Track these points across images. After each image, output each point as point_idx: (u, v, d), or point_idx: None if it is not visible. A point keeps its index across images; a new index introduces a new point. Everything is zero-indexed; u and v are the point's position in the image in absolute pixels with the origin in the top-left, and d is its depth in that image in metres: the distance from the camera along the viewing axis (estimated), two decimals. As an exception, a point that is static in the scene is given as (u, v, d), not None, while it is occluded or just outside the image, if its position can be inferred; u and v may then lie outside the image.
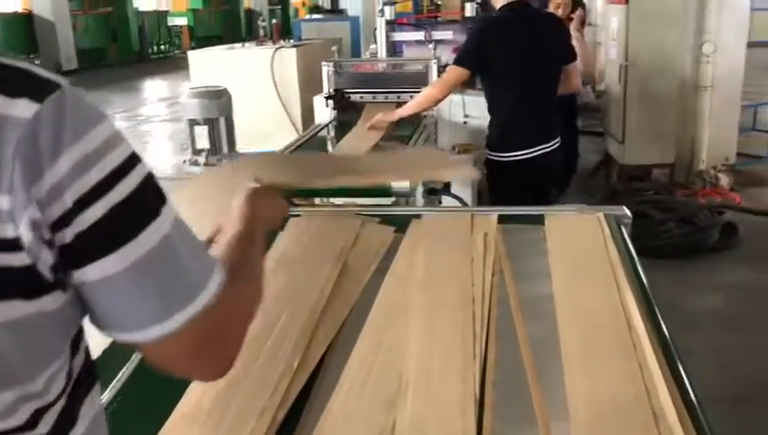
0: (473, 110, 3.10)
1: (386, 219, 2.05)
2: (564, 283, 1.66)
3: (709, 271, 3.83)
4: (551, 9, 4.00)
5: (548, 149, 3.03)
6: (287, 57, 6.02)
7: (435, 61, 3.09)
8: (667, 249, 4.00)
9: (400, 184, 2.13)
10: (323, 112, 3.23)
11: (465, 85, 4.37)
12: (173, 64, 19.22)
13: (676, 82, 4.90)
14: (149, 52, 22.12)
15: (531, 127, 3.00)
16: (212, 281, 0.63)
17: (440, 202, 2.41)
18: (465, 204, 2.29)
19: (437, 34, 4.27)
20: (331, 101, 3.20)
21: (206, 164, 2.04)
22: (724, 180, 5.11)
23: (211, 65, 6.30)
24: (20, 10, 19.20)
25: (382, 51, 3.87)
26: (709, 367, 2.87)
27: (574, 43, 3.27)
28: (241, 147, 5.66)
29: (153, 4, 30.88)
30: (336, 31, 7.71)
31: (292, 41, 7.27)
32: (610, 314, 1.52)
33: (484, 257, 1.81)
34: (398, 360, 1.39)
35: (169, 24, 24.75)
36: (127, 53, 21.19)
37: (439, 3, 6.12)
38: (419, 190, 2.40)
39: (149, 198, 0.60)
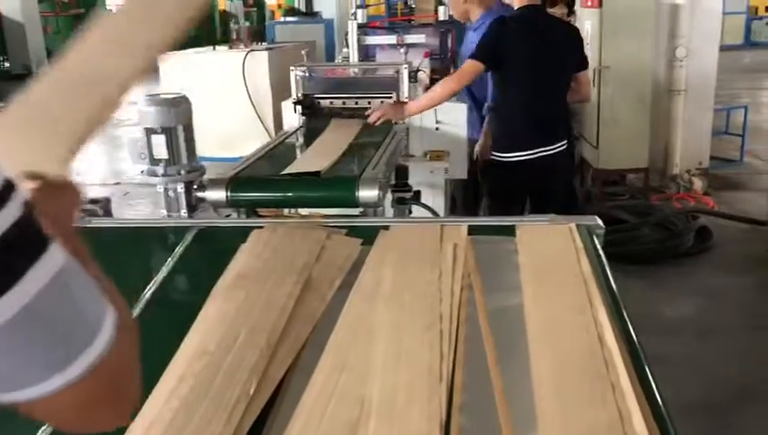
0: (445, 116, 3.05)
1: (353, 231, 1.99)
2: (535, 298, 1.61)
3: (684, 276, 3.82)
4: None
5: (549, 152, 3.04)
6: (259, 61, 5.94)
7: (406, 66, 3.03)
8: (642, 255, 3.98)
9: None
10: (292, 118, 3.15)
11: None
12: (147, 67, 18.95)
13: (650, 86, 4.90)
14: (123, 54, 21.81)
15: (534, 128, 3.02)
16: (107, 318, 0.55)
17: (410, 212, 2.35)
18: (435, 214, 2.24)
19: (410, 38, 4.22)
20: (299, 107, 3.12)
21: (164, 175, 1.95)
22: (698, 184, 5.11)
23: (181, 69, 6.19)
24: (-12, 11, 18.87)
25: (354, 55, 3.80)
26: (684, 376, 2.84)
27: None
28: (214, 152, 5.59)
29: (127, 6, 30.55)
30: (310, 34, 7.65)
31: (265, 44, 7.19)
32: (582, 332, 1.46)
33: (453, 271, 1.75)
34: (360, 383, 1.32)
35: (143, 25, 24.43)
36: (99, 55, 20.87)
37: (413, 6, 6.08)
38: (389, 200, 2.34)
39: (32, 231, 0.51)
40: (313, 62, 6.72)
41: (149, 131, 1.97)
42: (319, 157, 2.18)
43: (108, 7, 22.78)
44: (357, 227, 2.02)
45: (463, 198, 4.09)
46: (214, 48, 6.37)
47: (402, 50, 3.21)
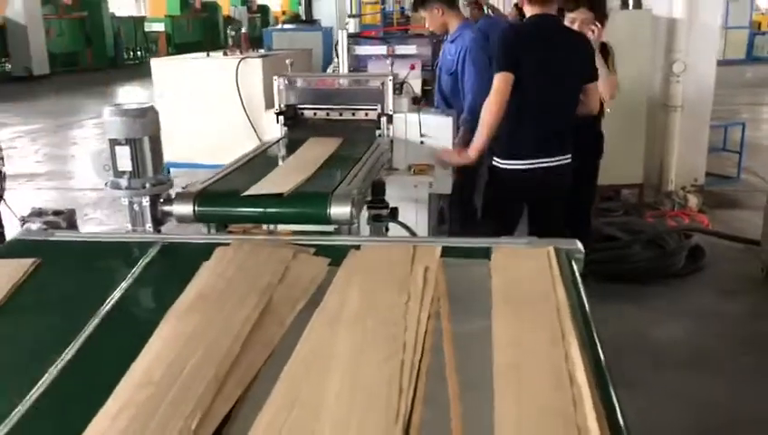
0: (429, 129, 2.97)
1: (323, 250, 1.91)
2: (505, 329, 1.53)
3: (674, 297, 3.73)
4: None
5: (551, 164, 3.02)
6: (252, 68, 5.88)
7: (390, 78, 2.95)
8: (633, 273, 3.90)
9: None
10: (274, 128, 3.08)
11: (421, 103, 4.27)
12: (147, 71, 18.97)
13: (646, 101, 4.83)
14: (124, 57, 21.83)
15: (537, 138, 3.01)
16: None
17: (387, 230, 2.27)
18: (412, 233, 2.16)
19: (401, 49, 4.15)
20: (281, 118, 3.05)
21: (128, 187, 1.88)
22: (693, 201, 5.03)
23: (174, 74, 6.14)
24: (-9, 13, 18.88)
25: (344, 65, 3.73)
26: (671, 401, 2.75)
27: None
28: (205, 159, 5.52)
29: (133, 10, 30.66)
30: (308, 41, 7.58)
31: (262, 51, 7.13)
32: (552, 367, 1.38)
33: (422, 296, 1.67)
34: (311, 419, 1.24)
35: (146, 29, 24.47)
36: (101, 58, 20.91)
37: (409, 16, 6.03)
38: (364, 217, 2.26)
39: None
40: (309, 70, 6.68)
41: (113, 142, 1.89)
42: (289, 175, 2.10)
43: (110, 10, 22.82)
44: (327, 246, 1.94)
45: (450, 210, 4.03)
46: (208, 54, 6.30)
47: (388, 61, 3.14)
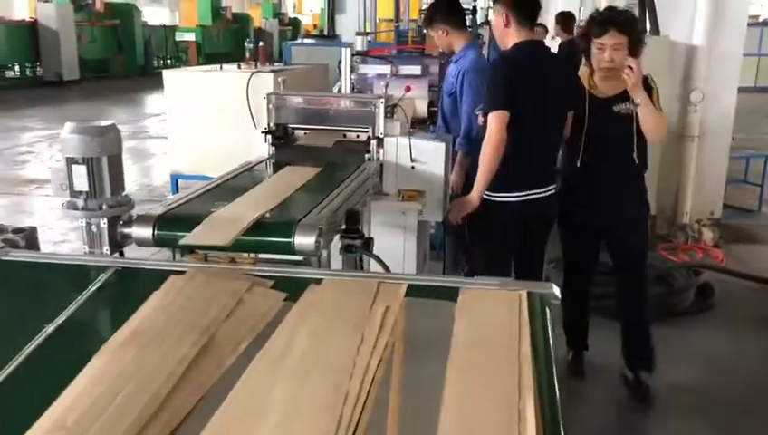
0: (421, 154, 2.86)
1: (282, 282, 1.81)
2: (458, 383, 1.41)
3: (680, 338, 3.55)
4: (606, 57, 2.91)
5: (541, 195, 2.92)
6: (264, 82, 5.83)
7: (382, 100, 2.85)
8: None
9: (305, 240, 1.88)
10: (261, 148, 3.00)
11: (427, 124, 4.17)
12: (175, 80, 19.16)
13: (661, 130, 4.65)
14: (154, 66, 22.09)
15: (531, 170, 2.92)
16: None
17: (361, 261, 2.16)
18: (385, 267, 2.04)
19: (405, 69, 4.06)
20: (269, 137, 2.97)
21: (84, 208, 1.79)
22: (708, 235, 4.85)
23: (186, 86, 6.13)
24: (27, 18, 19.26)
25: (346, 84, 3.64)
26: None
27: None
28: (213, 171, 5.48)
29: (167, 19, 31.13)
30: (326, 57, 7.54)
31: (279, 64, 7.11)
32: (501, 431, 1.26)
33: (376, 339, 1.56)
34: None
35: (177, 39, 24.77)
36: (131, 65, 21.18)
37: (425, 34, 5.94)
38: (336, 247, 2.15)
39: None
40: (324, 85, 6.61)
41: (70, 161, 1.82)
42: (250, 206, 2.01)
43: (142, 19, 23.16)
44: (287, 278, 1.84)
45: (443, 239, 3.92)
46: (221, 68, 6.29)
47: (382, 83, 3.04)
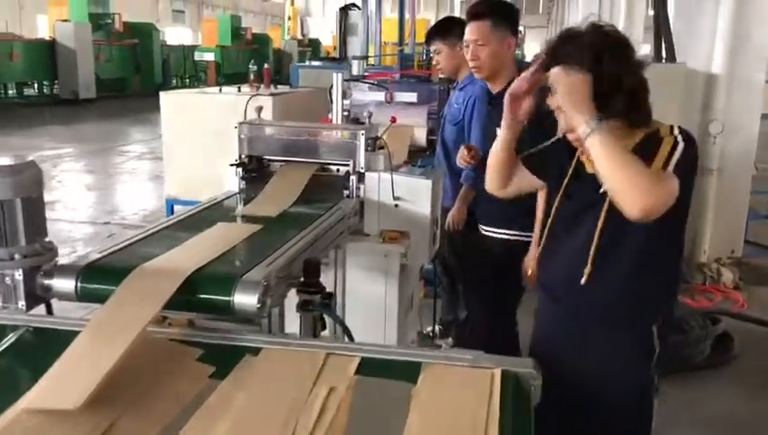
0: (404, 191, 2.60)
1: (212, 351, 1.54)
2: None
3: (694, 396, 3.21)
4: None
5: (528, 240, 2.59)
6: (263, 105, 5.59)
7: (363, 132, 2.60)
8: (648, 361, 3.41)
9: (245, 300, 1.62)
10: (232, 180, 2.75)
11: (426, 154, 3.91)
12: (191, 100, 19.17)
13: (676, 163, 4.35)
14: (172, 85, 22.13)
15: (527, 205, 2.47)
16: None
17: (322, 319, 1.89)
18: (346, 331, 1.78)
19: (400, 96, 3.81)
20: (239, 170, 2.72)
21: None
22: (728, 276, 4.52)
23: (183, 109, 5.92)
24: (46, 37, 19.41)
25: (338, 111, 3.40)
26: None
27: None
28: (211, 195, 5.27)
29: (189, 39, 31.38)
30: (332, 79, 7.29)
31: (286, 87, 6.91)
32: None
33: (312, 431, 1.29)
34: None
35: (197, 58, 24.87)
36: (148, 84, 21.22)
37: (430, 58, 5.70)
38: (294, 303, 1.88)
39: None
40: (329, 109, 6.38)
41: (-24, 204, 1.57)
42: (186, 258, 1.75)
43: (161, 38, 23.27)
44: (220, 346, 1.58)
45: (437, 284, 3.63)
46: (220, 90, 6.09)
47: (365, 112, 2.78)
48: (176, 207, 5.98)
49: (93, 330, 1.53)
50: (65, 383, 1.40)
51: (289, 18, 16.48)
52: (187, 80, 24.43)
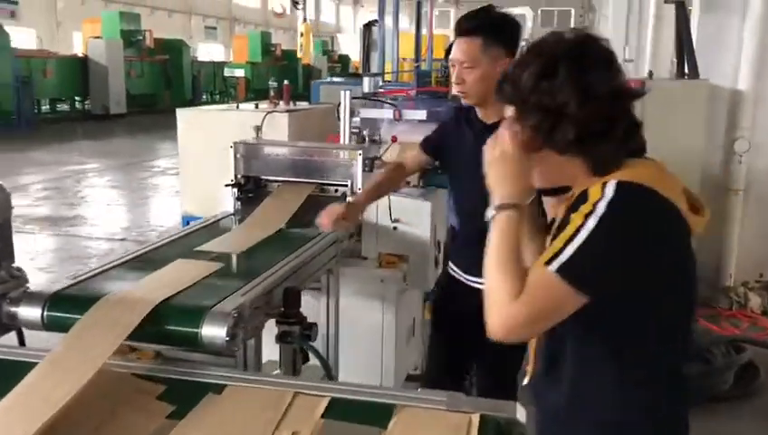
0: (403, 213, 2.50)
1: (177, 386, 1.45)
2: None
3: (715, 429, 3.03)
4: None
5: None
6: (279, 122, 5.57)
7: (360, 152, 2.51)
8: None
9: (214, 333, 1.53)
10: (227, 201, 2.69)
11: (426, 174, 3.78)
12: (219, 115, 19.35)
13: (699, 182, 4.18)
14: (203, 100, 22.37)
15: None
16: None
17: (302, 352, 1.79)
18: (326, 368, 1.68)
19: (409, 114, 3.71)
20: (235, 190, 2.65)
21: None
22: (755, 301, 4.31)
23: (199, 125, 5.91)
24: (79, 54, 19.78)
25: (345, 130, 3.32)
26: None
27: None
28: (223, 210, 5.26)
29: (221, 55, 31.77)
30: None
31: (306, 103, 6.88)
32: None
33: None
34: None
35: (227, 74, 25.11)
36: (178, 100, 21.44)
37: (448, 75, 5.60)
38: (273, 333, 1.79)
39: None
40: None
41: (-60, 230, 1.52)
42: (159, 286, 1.67)
43: (191, 55, 23.58)
44: (183, 383, 1.49)
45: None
46: (237, 107, 6.07)
47: (366, 132, 2.70)
48: (191, 224, 5.97)
49: (51, 362, 1.46)
50: (13, 417, 1.32)
51: (301, 35, 16.46)
52: (217, 95, 24.69)
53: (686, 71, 4.45)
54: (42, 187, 8.72)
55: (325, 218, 2.09)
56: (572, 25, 43.24)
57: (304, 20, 15.91)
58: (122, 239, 6.19)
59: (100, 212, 7.54)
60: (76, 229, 6.61)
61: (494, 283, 1.21)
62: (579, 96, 1.21)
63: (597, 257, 1.15)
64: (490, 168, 1.31)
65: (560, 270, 1.14)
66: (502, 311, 1.18)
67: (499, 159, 1.29)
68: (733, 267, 4.44)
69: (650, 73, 7.37)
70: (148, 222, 7.09)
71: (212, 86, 24.69)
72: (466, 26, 2.04)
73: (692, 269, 1.27)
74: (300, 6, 15.17)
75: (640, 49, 11.76)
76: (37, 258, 5.61)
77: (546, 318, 1.19)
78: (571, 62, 1.22)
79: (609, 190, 1.17)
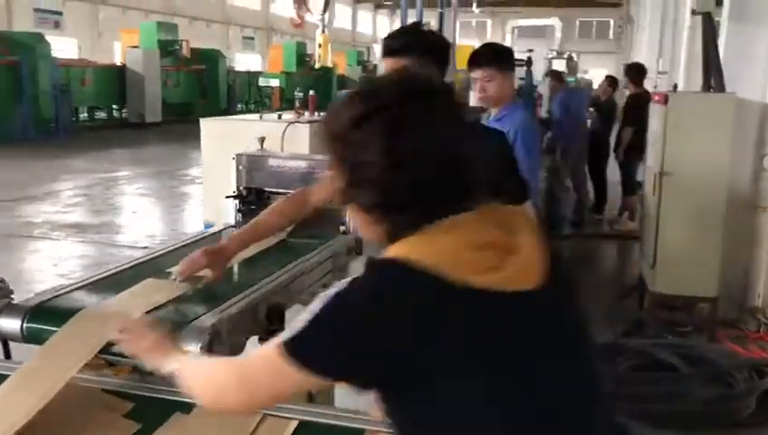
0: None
1: (146, 404, 1.43)
2: None
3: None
4: None
5: None
6: (301, 133, 5.59)
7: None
8: (685, 418, 3.12)
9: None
10: (229, 214, 2.67)
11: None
12: (253, 125, 19.57)
13: (726, 198, 4.04)
14: (237, 109, 22.62)
15: None
16: None
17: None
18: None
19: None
20: (237, 202, 2.63)
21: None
22: (784, 323, 4.14)
23: (222, 134, 5.97)
24: (117, 63, 20.20)
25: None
26: None
27: None
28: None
29: (258, 65, 32.15)
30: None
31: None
32: None
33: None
34: None
35: (261, 84, 25.37)
36: (213, 109, 21.71)
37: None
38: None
39: None
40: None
41: None
42: (138, 300, 1.65)
43: (227, 65, 23.87)
44: (155, 401, 1.46)
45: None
46: (260, 117, 6.12)
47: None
48: (189, 236, 6.04)
49: (22, 374, 1.45)
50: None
51: (319, 46, 16.57)
52: (252, 105, 24.95)
53: (712, 84, 4.33)
54: (73, 193, 8.88)
55: (185, 269, 1.82)
56: (611, 34, 42.24)
57: (323, 31, 16.05)
58: (145, 247, 6.24)
59: (127, 220, 7.64)
60: (101, 236, 6.69)
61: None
62: (383, 160, 1.01)
63: (322, 336, 1.02)
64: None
65: (286, 343, 1.04)
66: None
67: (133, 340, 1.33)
68: (761, 287, 4.27)
69: (675, 87, 7.19)
70: (174, 230, 7.15)
71: (247, 96, 24.96)
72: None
73: (495, 339, 1.01)
74: (319, 18, 15.34)
75: (675, 61, 11.56)
76: (60, 264, 5.69)
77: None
78: (383, 119, 1.01)
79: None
